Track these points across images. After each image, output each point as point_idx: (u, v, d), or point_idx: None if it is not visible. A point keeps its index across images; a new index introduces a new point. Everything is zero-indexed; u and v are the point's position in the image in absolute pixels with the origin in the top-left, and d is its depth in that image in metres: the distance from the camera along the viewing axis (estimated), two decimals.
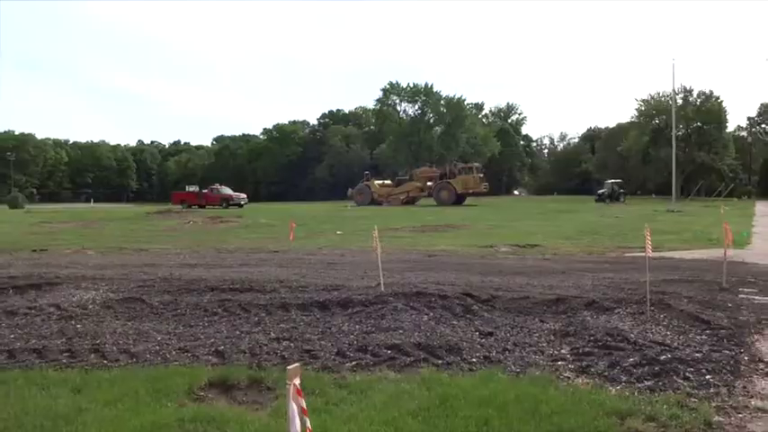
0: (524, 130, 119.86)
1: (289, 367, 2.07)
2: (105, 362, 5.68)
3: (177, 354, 5.92)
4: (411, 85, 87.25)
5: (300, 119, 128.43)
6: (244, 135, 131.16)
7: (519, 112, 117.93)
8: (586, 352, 5.82)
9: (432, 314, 7.43)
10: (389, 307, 7.67)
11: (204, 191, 51.71)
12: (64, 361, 5.73)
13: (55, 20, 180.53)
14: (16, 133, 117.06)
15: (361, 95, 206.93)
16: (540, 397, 4.48)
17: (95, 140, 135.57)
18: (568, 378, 5.14)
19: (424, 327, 6.82)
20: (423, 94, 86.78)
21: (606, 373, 5.18)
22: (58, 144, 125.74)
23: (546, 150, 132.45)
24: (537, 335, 6.54)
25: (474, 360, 5.67)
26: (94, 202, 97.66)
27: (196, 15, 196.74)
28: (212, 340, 6.40)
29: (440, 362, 5.60)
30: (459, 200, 50.84)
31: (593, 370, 5.30)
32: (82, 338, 6.50)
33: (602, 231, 22.50)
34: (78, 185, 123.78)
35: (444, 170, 54.70)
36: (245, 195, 53.82)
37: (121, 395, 4.57)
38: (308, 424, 2.14)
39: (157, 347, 6.12)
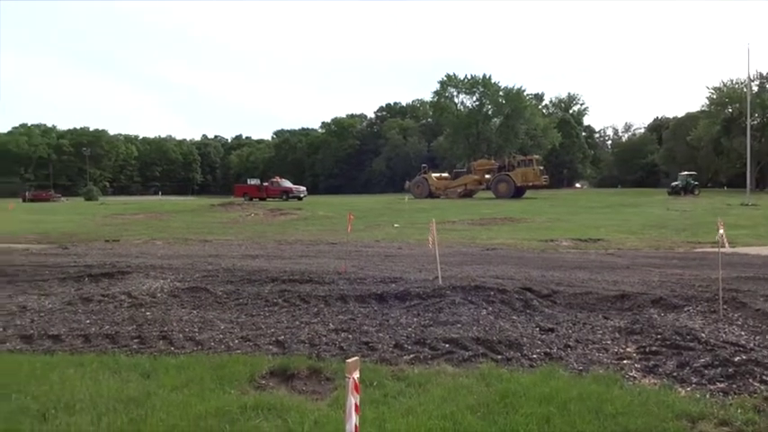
0: (586, 120, 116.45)
1: (348, 360, 2.07)
2: (172, 348, 5.90)
3: (240, 342, 6.08)
4: (468, 77, 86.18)
5: (358, 112, 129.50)
6: (303, 129, 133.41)
7: (581, 102, 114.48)
8: (653, 351, 5.60)
9: (490, 308, 7.33)
10: (447, 300, 7.62)
11: (265, 184, 52.84)
12: (134, 346, 6.00)
13: (126, 21, 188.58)
14: (91, 130, 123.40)
15: (418, 88, 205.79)
16: (604, 396, 4.34)
17: (163, 136, 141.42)
18: (634, 378, 4.95)
19: (483, 321, 6.73)
20: (480, 86, 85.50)
21: (675, 374, 4.97)
22: (128, 140, 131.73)
23: (609, 142, 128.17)
24: (600, 332, 6.34)
25: (534, 356, 5.55)
26: (162, 194, 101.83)
27: (258, 14, 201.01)
28: (273, 330, 6.53)
29: (499, 357, 5.52)
30: (518, 193, 49.91)
31: (660, 370, 5.09)
32: (151, 325, 6.78)
33: (669, 225, 21.57)
34: (147, 179, 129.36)
35: (503, 162, 53.80)
36: (304, 188, 54.73)
37: (187, 381, 4.73)
38: (356, 422, 2.13)
39: (221, 336, 6.31)
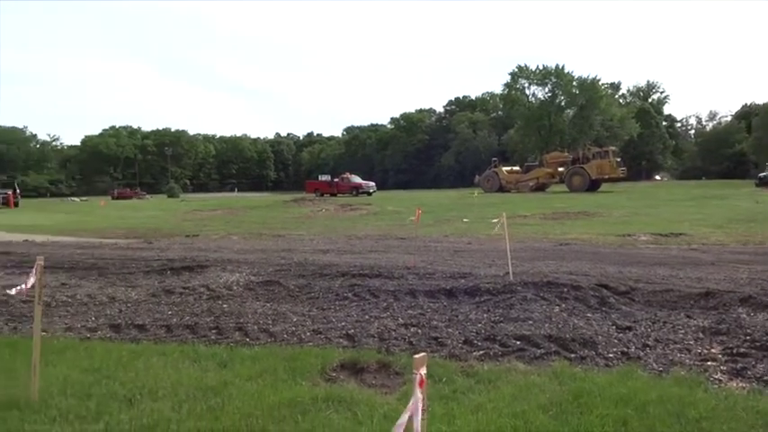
0: (667, 109, 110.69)
1: (415, 356, 2.07)
2: (248, 340, 6.11)
3: (311, 335, 6.21)
4: (540, 68, 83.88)
5: (427, 107, 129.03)
6: (372, 125, 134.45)
7: (661, 90, 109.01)
8: (742, 353, 5.26)
9: (564, 305, 7.13)
10: (518, 296, 7.48)
11: (335, 180, 53.71)
12: (212, 337, 6.25)
13: (205, 27, 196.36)
14: (172, 130, 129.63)
15: (488, 81, 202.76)
16: (686, 399, 4.12)
17: (238, 135, 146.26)
18: (720, 381, 4.68)
19: (556, 318, 6.55)
20: (553, 76, 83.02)
21: (766, 378, 4.65)
22: (207, 139, 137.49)
23: (692, 131, 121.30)
24: (682, 331, 6.02)
25: (610, 355, 5.35)
26: (238, 191, 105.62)
27: (328, 15, 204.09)
28: (343, 323, 6.63)
29: (572, 355, 5.36)
30: (593, 186, 48.16)
31: (749, 373, 4.78)
32: (228, 317, 7.04)
33: (758, 219, 20.18)
34: (224, 176, 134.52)
35: (577, 155, 52.05)
36: (373, 183, 55.22)
37: (262, 371, 4.88)
38: (421, 417, 2.12)
39: (293, 328, 6.47)
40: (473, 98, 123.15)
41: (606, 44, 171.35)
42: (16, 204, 48.97)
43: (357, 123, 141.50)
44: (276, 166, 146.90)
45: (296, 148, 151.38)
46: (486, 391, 4.42)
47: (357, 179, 54.69)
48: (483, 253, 12.87)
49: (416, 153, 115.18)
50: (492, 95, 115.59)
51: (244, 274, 9.97)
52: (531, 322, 6.40)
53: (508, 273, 8.86)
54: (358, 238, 17.41)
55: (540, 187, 51.41)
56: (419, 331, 6.23)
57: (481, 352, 5.51)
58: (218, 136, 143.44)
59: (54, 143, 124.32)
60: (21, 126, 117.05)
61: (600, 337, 5.80)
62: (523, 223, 20.98)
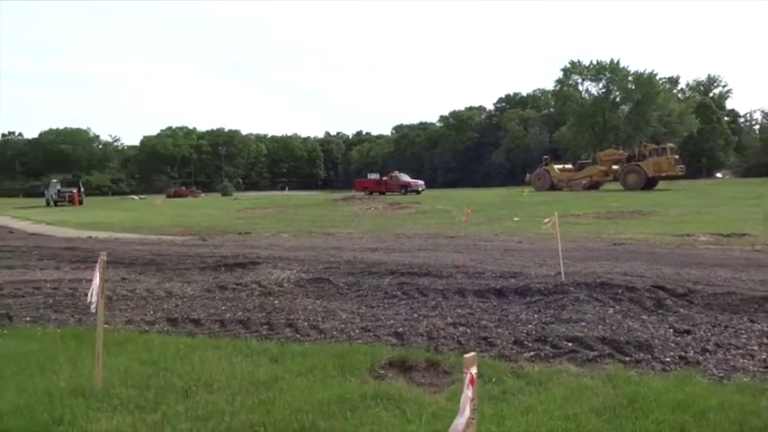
0: (729, 104, 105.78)
1: (466, 355, 2.06)
2: (298, 336, 6.22)
3: (360, 333, 6.26)
4: (594, 63, 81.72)
5: (476, 104, 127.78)
6: (421, 123, 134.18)
7: (722, 84, 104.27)
8: None
9: (618, 307, 6.94)
10: (570, 297, 7.32)
11: (384, 178, 53.86)
12: (264, 332, 6.39)
13: (257, 29, 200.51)
14: (226, 130, 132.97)
15: (539, 77, 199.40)
16: (748, 407, 3.94)
17: (289, 134, 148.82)
18: None
19: (609, 320, 6.39)
20: (607, 72, 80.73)
21: None
22: (259, 138, 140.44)
23: (757, 126, 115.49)
24: (745, 336, 5.76)
25: (667, 360, 5.18)
26: (289, 189, 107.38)
27: (376, 14, 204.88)
28: (392, 321, 6.65)
29: (627, 359, 5.21)
30: (649, 184, 46.53)
31: None
32: (279, 313, 7.18)
33: None
34: (275, 175, 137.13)
35: (632, 152, 50.37)
36: (422, 182, 55.04)
37: (312, 367, 4.96)
38: (469, 416, 2.10)
39: (342, 326, 6.53)
40: (524, 95, 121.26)
41: (663, 37, 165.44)
42: (81, 202, 51.24)
43: (406, 122, 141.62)
44: (326, 165, 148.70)
45: (345, 147, 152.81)
46: (537, 392, 4.35)
47: (406, 177, 54.65)
48: (534, 252, 12.66)
49: (466, 151, 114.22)
50: (543, 92, 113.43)
51: (294, 272, 10.13)
52: (583, 324, 6.26)
53: (560, 273, 8.69)
54: (407, 237, 17.42)
55: (594, 185, 50.10)
56: (468, 331, 6.19)
57: (532, 353, 5.43)
58: (269, 135, 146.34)
59: (115, 143, 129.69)
60: (85, 127, 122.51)
61: (656, 341, 5.62)
62: (576, 222, 20.51)
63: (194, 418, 3.95)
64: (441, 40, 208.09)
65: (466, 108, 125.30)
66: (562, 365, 5.03)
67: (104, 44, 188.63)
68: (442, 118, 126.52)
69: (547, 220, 9.50)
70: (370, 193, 48.71)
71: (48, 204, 50.16)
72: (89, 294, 4.71)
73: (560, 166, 54.99)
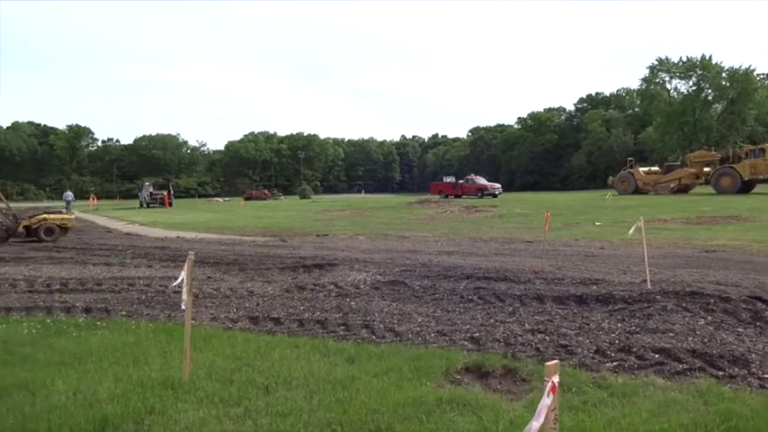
0: None
1: (548, 363, 2.01)
2: (374, 337, 6.28)
3: (435, 336, 6.24)
4: (684, 60, 77.40)
5: (556, 105, 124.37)
6: (498, 125, 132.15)
7: None
8: None
9: (709, 318, 6.54)
10: (657, 306, 6.98)
11: (460, 181, 53.40)
12: (341, 333, 6.50)
13: (333, 31, 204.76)
14: (305, 134, 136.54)
15: (623, 76, 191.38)
16: None
17: (366, 138, 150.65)
18: None
19: (700, 332, 6.03)
20: (698, 68, 76.16)
21: None
22: (336, 142, 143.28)
23: None
24: None
25: (766, 376, 4.82)
26: (365, 192, 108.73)
27: (453, 15, 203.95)
28: (468, 326, 6.59)
29: (720, 373, 4.89)
30: (745, 188, 43.52)
31: None
32: (355, 314, 7.29)
33: None
34: (352, 178, 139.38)
35: (726, 153, 47.27)
36: (499, 185, 54.12)
37: (387, 369, 4.99)
38: (542, 424, 2.04)
39: (418, 329, 6.54)
40: (607, 95, 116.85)
41: (760, 30, 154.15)
42: (170, 204, 54.10)
43: (482, 124, 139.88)
44: (401, 168, 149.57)
45: (421, 150, 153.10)
46: (621, 405, 4.18)
47: (482, 180, 53.93)
48: (617, 259, 12.16)
49: (544, 153, 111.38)
50: (628, 91, 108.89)
51: (370, 274, 10.25)
52: (671, 334, 5.95)
53: (645, 280, 8.30)
54: (483, 241, 17.20)
55: (683, 189, 47.47)
56: (547, 338, 6.03)
57: (615, 363, 5.21)
58: (346, 139, 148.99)
59: (202, 148, 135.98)
60: (175, 133, 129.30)
61: (753, 355, 5.25)
62: (663, 228, 19.51)
63: (274, 413, 4.08)
64: (518, 40, 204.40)
65: (545, 109, 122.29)
66: (648, 378, 4.80)
67: (193, 53, 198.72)
68: (520, 120, 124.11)
69: (636, 224, 9.10)
70: (446, 197, 48.41)
71: (141, 206, 53.36)
72: (182, 292, 4.97)
73: (646, 169, 52.45)
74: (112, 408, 4.17)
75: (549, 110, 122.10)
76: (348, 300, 8.20)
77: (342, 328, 6.71)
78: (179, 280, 5.02)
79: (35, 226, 19.13)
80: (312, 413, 4.06)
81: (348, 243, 17.03)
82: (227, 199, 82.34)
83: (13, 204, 21.83)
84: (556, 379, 1.97)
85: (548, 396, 1.93)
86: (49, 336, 6.33)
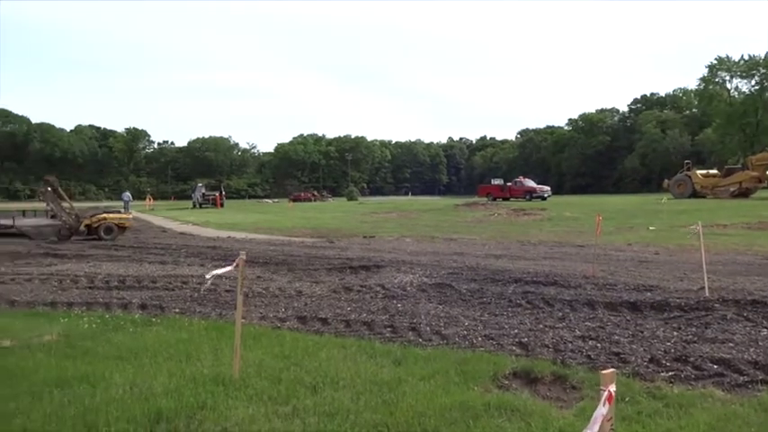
0: None
1: (604, 372, 1.96)
2: (420, 340, 6.26)
3: (483, 340, 6.17)
4: (745, 58, 74.10)
5: (609, 106, 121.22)
6: (548, 127, 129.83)
7: None
8: None
9: None
10: (716, 315, 6.71)
11: (508, 184, 52.69)
12: (387, 335, 6.51)
13: (380, 34, 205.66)
14: (352, 137, 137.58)
15: (680, 76, 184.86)
16: None
17: (413, 140, 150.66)
18: None
19: (764, 342, 5.76)
20: (762, 67, 72.82)
21: None
22: (383, 144, 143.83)
23: None
24: None
25: None
26: (411, 194, 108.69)
27: (500, 15, 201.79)
28: (516, 331, 6.49)
29: None
30: None
31: None
32: (401, 316, 7.29)
33: None
34: (398, 180, 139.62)
35: None
36: (548, 188, 53.12)
37: (434, 372, 4.97)
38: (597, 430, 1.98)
39: (465, 332, 6.48)
40: (662, 95, 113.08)
41: None
42: (222, 205, 55.45)
43: (532, 126, 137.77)
44: (449, 170, 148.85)
45: (468, 152, 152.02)
46: (677, 416, 4.03)
47: (531, 183, 53.03)
48: (672, 265, 11.75)
49: (596, 156, 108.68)
50: (685, 91, 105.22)
51: (417, 276, 10.23)
52: (731, 345, 5.70)
53: (703, 288, 7.99)
54: (532, 244, 16.92)
55: (744, 193, 45.40)
56: (598, 345, 5.87)
57: (670, 373, 5.03)
58: (393, 141, 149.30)
59: (252, 150, 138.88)
60: (226, 136, 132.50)
61: None
62: (722, 233, 18.72)
63: (322, 413, 4.12)
64: (570, 39, 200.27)
65: (597, 110, 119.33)
66: (706, 389, 4.61)
67: (245, 58, 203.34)
68: (571, 121, 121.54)
69: (692, 227, 8.78)
70: (494, 199, 47.84)
71: (194, 206, 54.89)
72: (210, 276, 5.11)
73: (704, 172, 50.44)
74: (166, 402, 4.30)
75: (602, 111, 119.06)
76: (395, 302, 8.21)
77: (388, 329, 6.72)
78: (214, 273, 5.15)
79: (95, 225, 19.98)
80: (359, 414, 4.08)
81: (395, 245, 17.05)
82: (276, 200, 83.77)
83: (74, 204, 22.81)
84: (612, 388, 1.92)
85: (604, 405, 1.88)
86: (108, 331, 6.59)
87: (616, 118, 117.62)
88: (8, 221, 22.11)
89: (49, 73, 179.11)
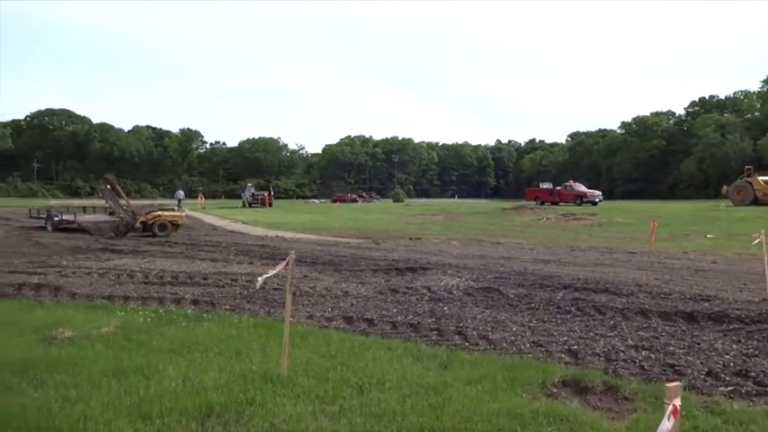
0: None
1: (669, 384, 1.89)
2: (467, 344, 6.20)
3: (531, 347, 6.07)
4: None
5: (664, 109, 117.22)
6: (600, 130, 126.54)
7: None
8: None
9: None
10: None
11: (558, 188, 51.69)
12: (433, 337, 6.48)
13: (427, 36, 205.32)
14: (399, 138, 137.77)
15: (741, 78, 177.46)
16: None
17: (459, 142, 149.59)
18: None
19: None
20: None
21: None
22: (430, 146, 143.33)
23: None
24: None
25: None
26: (458, 197, 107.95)
27: (551, 14, 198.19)
28: (565, 338, 6.36)
29: None
30: None
31: None
32: (448, 320, 7.24)
33: None
34: (445, 182, 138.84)
35: None
36: (599, 193, 51.83)
37: (481, 377, 4.91)
38: None
39: (512, 338, 6.39)
40: (722, 98, 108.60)
41: None
42: (270, 204, 56.40)
43: (583, 129, 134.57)
44: (496, 173, 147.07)
45: (516, 155, 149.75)
46: None
47: (581, 187, 51.83)
48: (731, 274, 11.26)
49: (650, 160, 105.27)
50: (746, 94, 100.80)
51: (463, 279, 10.15)
52: None
53: (766, 299, 7.63)
54: (581, 250, 16.54)
55: None
56: (652, 356, 5.69)
57: (729, 388, 4.82)
58: (440, 143, 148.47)
59: (300, 151, 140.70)
60: (276, 137, 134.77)
61: None
62: None
63: (368, 414, 4.14)
64: (623, 40, 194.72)
65: (652, 113, 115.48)
66: None
67: (293, 60, 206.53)
68: (624, 124, 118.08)
69: (754, 235, 8.41)
70: (542, 203, 47.00)
71: (243, 205, 56.05)
72: (263, 278, 5.19)
73: (766, 178, 48.26)
74: (217, 396, 4.40)
75: (657, 114, 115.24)
76: (441, 304, 8.17)
77: (434, 332, 6.69)
78: (267, 276, 5.24)
79: (150, 222, 20.67)
80: (405, 417, 4.07)
81: (441, 247, 16.97)
82: (322, 201, 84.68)
83: (130, 201, 23.64)
84: (677, 402, 1.85)
85: (668, 419, 1.82)
86: (162, 325, 6.80)
87: (672, 121, 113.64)
88: (71, 217, 23.17)
89: (109, 76, 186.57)
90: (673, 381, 4.94)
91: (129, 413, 4.13)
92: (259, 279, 5.27)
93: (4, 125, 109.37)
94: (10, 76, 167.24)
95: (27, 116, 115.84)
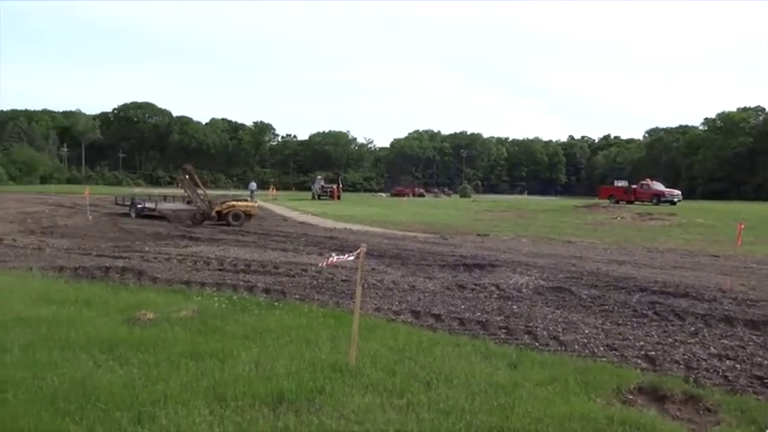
0: None
1: None
2: (536, 344, 6.07)
3: (605, 350, 5.87)
4: None
5: (752, 104, 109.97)
6: (680, 126, 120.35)
7: None
8: None
9: None
10: None
11: (634, 186, 49.59)
12: (502, 336, 6.38)
13: (499, 28, 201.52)
14: (468, 133, 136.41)
15: None
16: None
17: (530, 137, 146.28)
18: None
19: None
20: None
21: None
22: (499, 142, 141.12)
23: None
24: None
25: None
26: (528, 193, 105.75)
27: (626, 7, 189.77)
28: (641, 343, 6.11)
29: None
30: None
31: None
32: (517, 318, 7.11)
33: None
34: (514, 178, 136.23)
35: None
36: (678, 192, 49.34)
37: (552, 379, 4.79)
38: None
39: (585, 340, 6.20)
40: None
41: None
42: (339, 197, 57.26)
43: (662, 125, 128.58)
44: (567, 170, 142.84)
45: (590, 152, 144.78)
46: None
47: (659, 186, 49.50)
48: None
49: (735, 159, 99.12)
50: None
51: (533, 278, 9.94)
52: None
53: None
54: (659, 252, 15.82)
55: None
56: (737, 366, 5.37)
57: None
58: (510, 138, 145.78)
59: (369, 145, 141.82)
60: (345, 130, 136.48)
61: None
62: None
63: (436, 410, 4.12)
64: (706, 32, 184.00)
65: (738, 109, 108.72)
66: None
67: (364, 55, 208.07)
68: (707, 120, 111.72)
69: None
70: (617, 202, 45.21)
71: (313, 197, 57.17)
72: (330, 259, 5.29)
73: None
74: (288, 383, 4.51)
75: (744, 109, 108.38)
76: (510, 303, 8.03)
77: (503, 331, 6.59)
78: (335, 259, 5.35)
79: (225, 211, 21.44)
80: (474, 415, 4.03)
81: (510, 245, 16.68)
82: (389, 194, 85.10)
83: (207, 191, 24.60)
84: None
85: None
86: (236, 311, 7.03)
87: (761, 117, 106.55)
88: (152, 205, 24.43)
89: (188, 70, 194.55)
90: (762, 394, 4.65)
91: (205, 395, 4.29)
92: (333, 255, 5.37)
93: (94, 117, 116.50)
94: (101, 71, 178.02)
95: (114, 109, 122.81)
